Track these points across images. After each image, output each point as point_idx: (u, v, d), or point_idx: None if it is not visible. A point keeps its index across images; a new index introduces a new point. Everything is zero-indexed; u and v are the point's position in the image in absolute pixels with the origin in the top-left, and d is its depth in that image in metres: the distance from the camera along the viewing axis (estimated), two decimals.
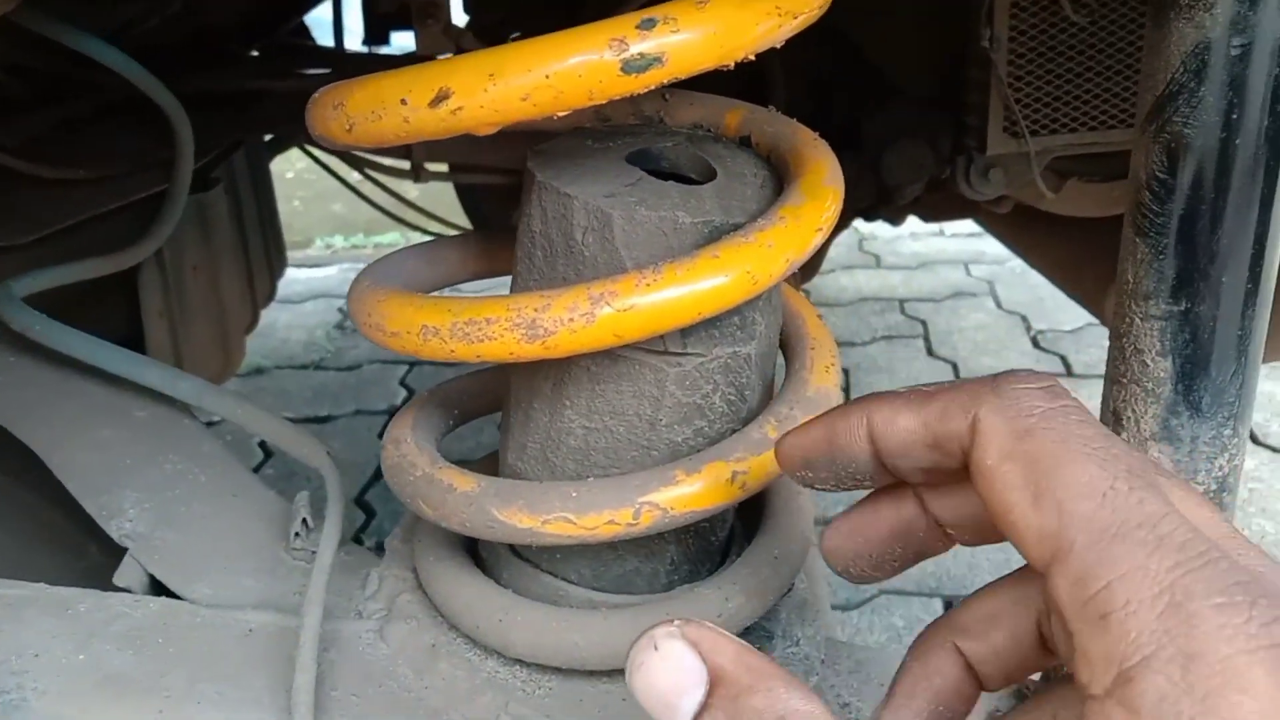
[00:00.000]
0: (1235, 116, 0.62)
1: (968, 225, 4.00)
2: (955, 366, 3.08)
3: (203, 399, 0.88)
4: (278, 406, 3.04)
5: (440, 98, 0.52)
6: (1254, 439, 2.75)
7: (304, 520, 0.80)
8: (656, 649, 0.38)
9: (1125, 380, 0.70)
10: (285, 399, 3.07)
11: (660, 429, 0.68)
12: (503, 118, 0.53)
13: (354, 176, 2.41)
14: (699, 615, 0.68)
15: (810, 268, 1.91)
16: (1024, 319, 3.31)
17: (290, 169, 4.65)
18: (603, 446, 0.69)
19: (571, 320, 0.57)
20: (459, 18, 1.71)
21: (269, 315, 3.52)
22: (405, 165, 2.33)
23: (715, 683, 0.38)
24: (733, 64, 0.56)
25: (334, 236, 4.45)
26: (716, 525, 0.77)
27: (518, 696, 0.70)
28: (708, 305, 0.59)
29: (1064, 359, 3.06)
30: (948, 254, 3.90)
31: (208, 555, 0.79)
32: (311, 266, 4.11)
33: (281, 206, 2.42)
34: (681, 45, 0.53)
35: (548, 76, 0.51)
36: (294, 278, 3.91)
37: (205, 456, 0.89)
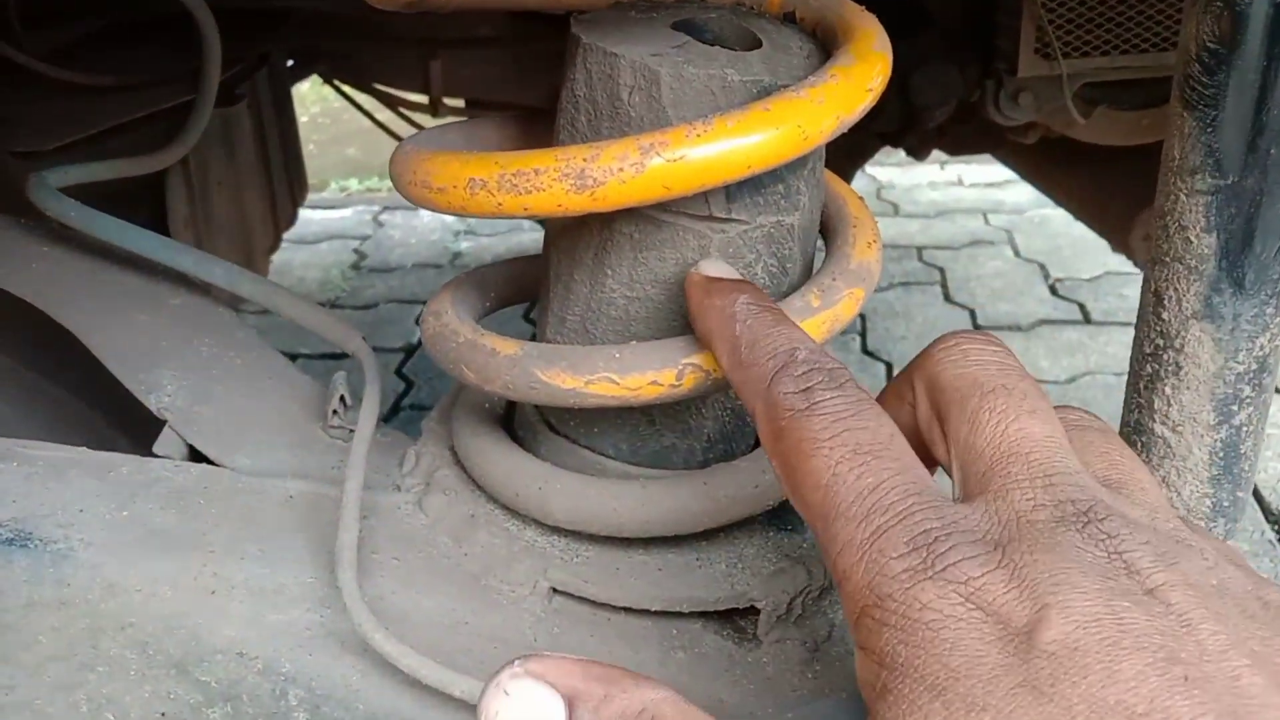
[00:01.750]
0: None
1: (986, 174, 3.98)
2: (973, 313, 3.07)
3: (237, 283, 0.88)
4: (294, 343, 3.06)
5: None
6: None
7: (341, 398, 0.80)
8: (507, 694, 0.39)
9: (1168, 259, 0.70)
10: (301, 336, 3.06)
11: None
12: None
13: (369, 119, 2.40)
14: (735, 488, 0.69)
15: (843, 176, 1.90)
16: (1042, 267, 3.30)
17: (305, 114, 4.64)
18: (643, 316, 0.69)
19: (621, 170, 0.57)
20: None
21: (285, 255, 3.53)
22: (424, 100, 2.32)
23: (572, 703, 0.39)
24: None
25: (349, 179, 4.44)
26: None
27: (555, 563, 0.71)
28: (758, 159, 0.58)
29: (1082, 306, 3.06)
30: (966, 203, 3.88)
31: (246, 429, 0.79)
32: (326, 208, 4.10)
33: None
34: None
35: None
36: (309, 219, 3.91)
37: (240, 342, 0.90)
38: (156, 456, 0.77)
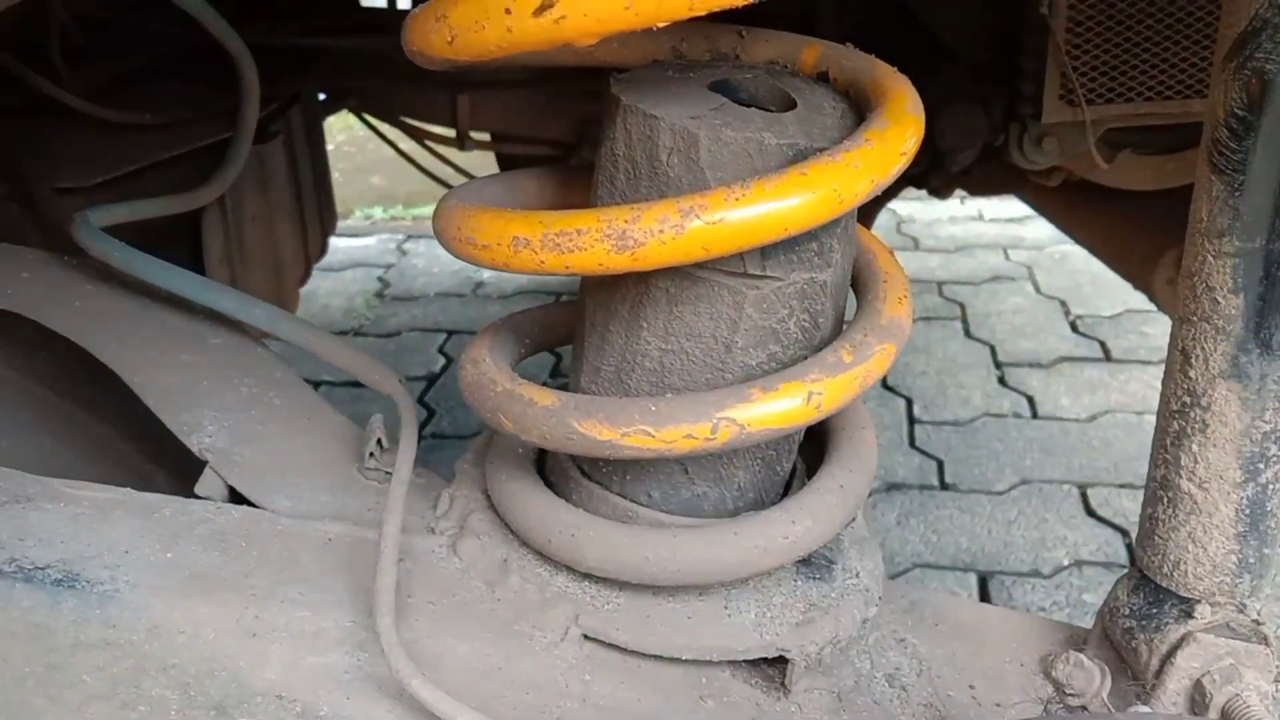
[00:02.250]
0: None
1: (1006, 210, 3.98)
2: (993, 349, 3.07)
3: (277, 325, 0.90)
4: (318, 370, 3.08)
5: (544, 6, 0.54)
6: None
7: (379, 440, 0.82)
8: None
9: (1195, 318, 0.71)
10: (325, 364, 3.10)
11: (735, 351, 0.69)
12: (605, 27, 0.54)
13: (394, 150, 2.44)
14: (765, 539, 0.70)
15: (868, 216, 1.92)
16: (1063, 304, 3.30)
17: (331, 142, 4.70)
18: (678, 368, 0.70)
19: (661, 232, 0.59)
20: None
21: (311, 283, 3.56)
22: (451, 133, 2.35)
23: None
24: None
25: (374, 208, 4.49)
26: (783, 455, 0.79)
27: (587, 610, 0.72)
28: (795, 221, 0.60)
29: (1103, 344, 3.05)
30: (986, 238, 3.88)
31: (285, 470, 0.81)
32: (351, 236, 4.14)
33: None
34: None
35: None
36: (335, 246, 3.95)
37: (279, 382, 0.92)
38: (198, 497, 0.79)
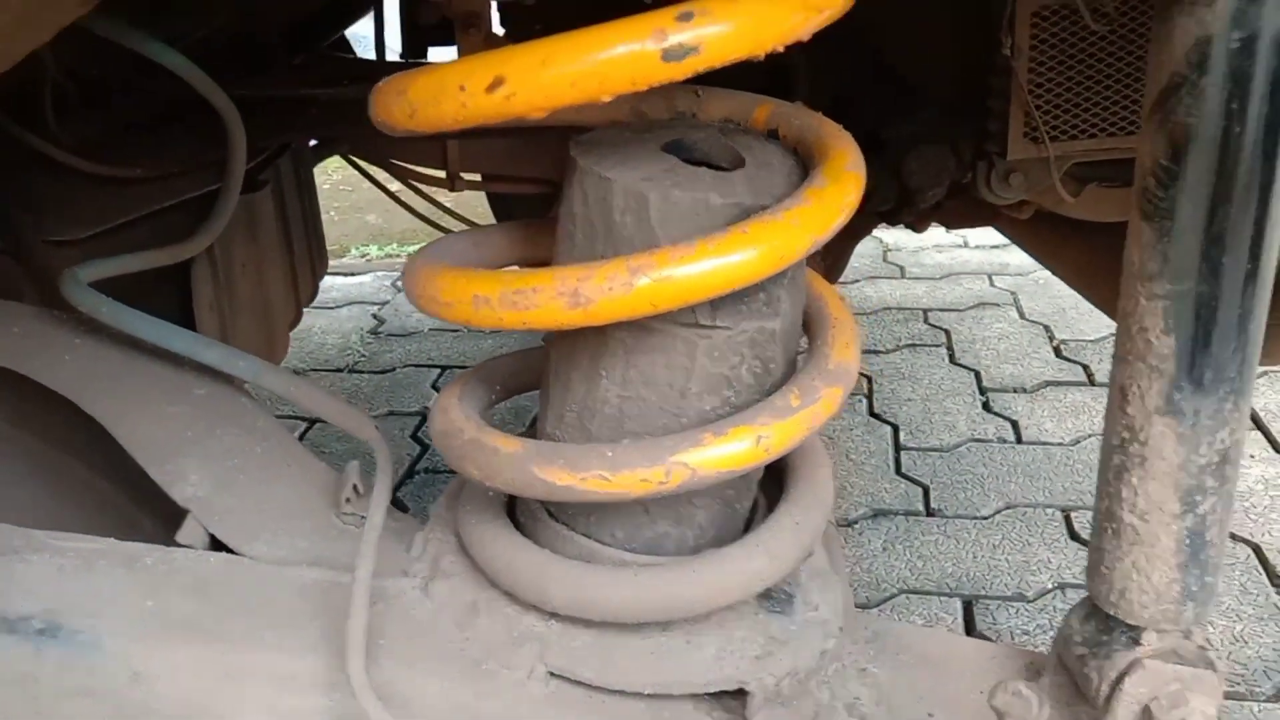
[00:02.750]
0: (1235, 107, 0.66)
1: (991, 237, 4.03)
2: (978, 375, 3.10)
3: (260, 376, 0.94)
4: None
5: (495, 84, 0.58)
6: (1275, 448, 2.76)
7: (354, 486, 0.85)
8: None
9: (1131, 357, 0.74)
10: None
11: (690, 398, 0.73)
12: (553, 102, 0.58)
13: (392, 185, 2.48)
14: (723, 575, 0.73)
15: (833, 272, 1.96)
16: (1046, 329, 3.34)
17: (326, 181, 4.75)
18: (636, 414, 0.74)
19: (611, 289, 0.62)
20: (498, 28, 1.77)
21: (305, 320, 3.60)
22: (441, 174, 2.40)
23: None
24: (763, 55, 0.61)
25: (369, 246, 4.53)
26: (741, 494, 0.82)
27: (553, 648, 0.75)
28: (737, 277, 0.63)
29: (1086, 368, 3.09)
30: (971, 265, 3.92)
31: (264, 517, 0.84)
32: (347, 274, 4.19)
33: None
34: (716, 36, 0.58)
35: (595, 64, 0.56)
36: (330, 284, 4.00)
37: (261, 430, 0.95)
38: (180, 545, 0.82)
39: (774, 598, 0.82)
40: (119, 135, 1.50)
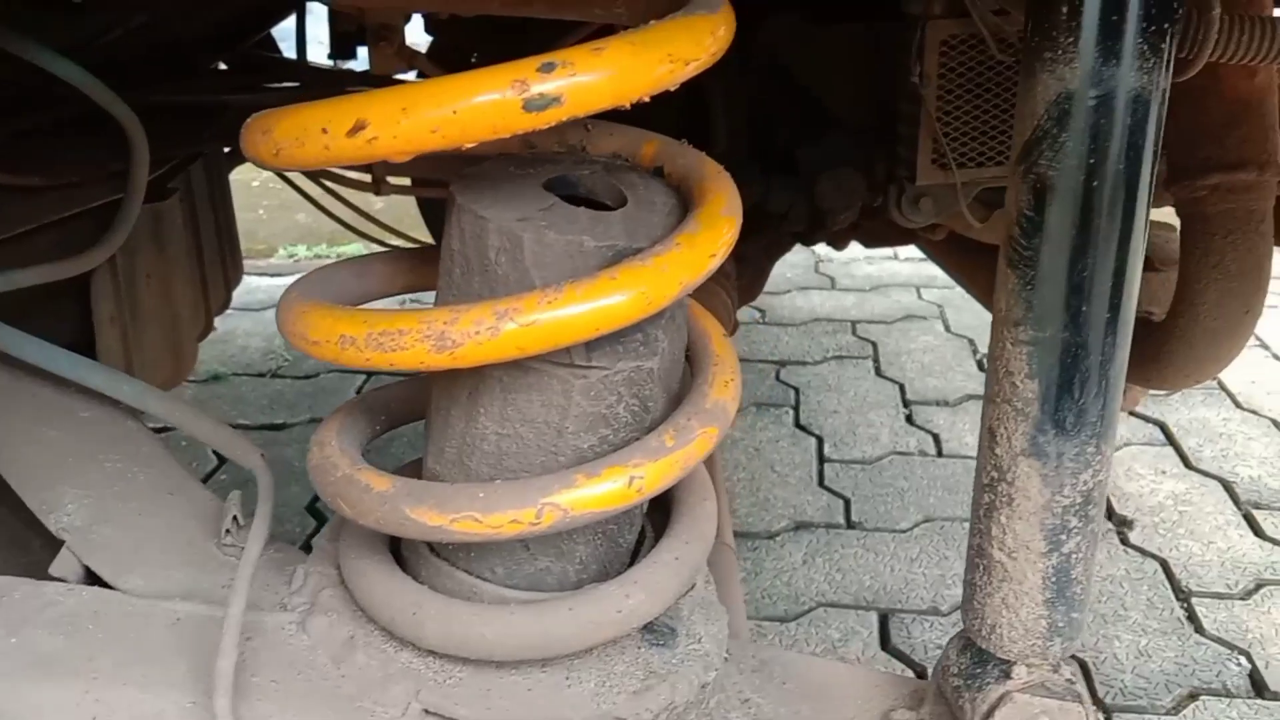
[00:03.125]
0: (1094, 161, 0.68)
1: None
2: (902, 388, 3.15)
3: (144, 401, 0.92)
4: (234, 414, 3.07)
5: (357, 128, 0.58)
6: (1186, 464, 2.84)
7: (234, 518, 0.84)
8: None
9: (998, 400, 0.76)
10: (241, 406, 3.09)
11: (567, 436, 0.73)
12: (414, 148, 0.58)
13: (317, 190, 2.46)
14: (599, 612, 0.74)
15: (753, 288, 1.98)
16: (971, 342, 3.40)
17: (256, 178, 4.68)
18: (514, 451, 0.74)
19: (478, 333, 0.62)
20: (419, 39, 1.76)
21: (228, 323, 3.55)
22: (367, 179, 2.38)
23: None
24: (629, 104, 0.61)
25: (297, 246, 4.47)
26: (624, 528, 0.82)
27: (429, 685, 0.75)
28: (605, 322, 0.64)
29: None
30: (901, 277, 3.98)
31: (141, 549, 0.83)
32: (274, 275, 4.13)
33: (246, 215, 2.46)
34: (579, 87, 0.58)
35: (455, 111, 0.57)
36: (256, 285, 3.94)
37: (145, 456, 0.93)
38: (52, 578, 0.80)
39: (657, 631, 0.83)
40: (19, 143, 1.47)
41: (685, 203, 0.77)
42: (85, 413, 0.97)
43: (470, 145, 0.59)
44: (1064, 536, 0.77)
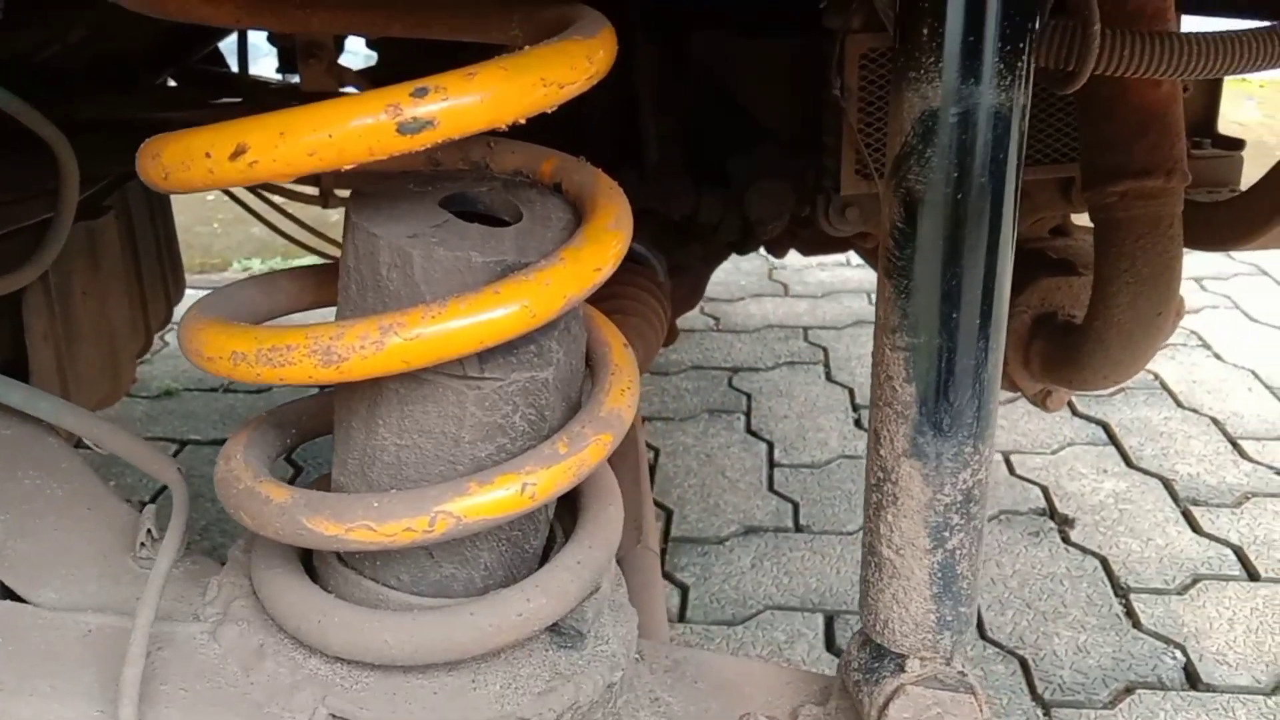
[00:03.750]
0: (958, 175, 0.72)
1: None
2: (852, 393, 3.19)
3: (60, 417, 0.94)
4: (185, 429, 3.06)
5: (238, 152, 0.60)
6: (1128, 462, 2.90)
7: (149, 530, 0.86)
8: None
9: (881, 403, 0.80)
10: (193, 422, 3.08)
11: (464, 445, 0.76)
12: (294, 170, 0.60)
13: (269, 203, 2.47)
14: (499, 616, 0.76)
15: (693, 296, 2.01)
16: None
17: (211, 192, 4.66)
18: (413, 462, 0.76)
19: (363, 348, 0.65)
20: (353, 59, 1.78)
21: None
22: (315, 192, 2.39)
23: None
24: (505, 126, 0.64)
25: (252, 260, 4.46)
26: (529, 534, 0.85)
27: (336, 691, 0.77)
28: (489, 335, 0.66)
29: None
30: (852, 283, 4.03)
31: (56, 563, 0.84)
32: None
33: (200, 229, 2.46)
34: (452, 110, 0.61)
35: (330, 135, 0.59)
36: None
37: (64, 472, 0.95)
38: None
39: (564, 633, 0.85)
40: None
41: (580, 218, 0.80)
42: (5, 430, 0.99)
43: (349, 166, 0.61)
44: (947, 533, 0.81)
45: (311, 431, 0.89)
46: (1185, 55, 1.02)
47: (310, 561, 0.85)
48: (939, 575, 0.82)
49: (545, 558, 0.89)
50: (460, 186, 0.81)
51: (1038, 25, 0.71)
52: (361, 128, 0.59)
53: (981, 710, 0.87)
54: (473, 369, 0.73)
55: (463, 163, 0.87)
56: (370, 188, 0.79)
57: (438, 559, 0.80)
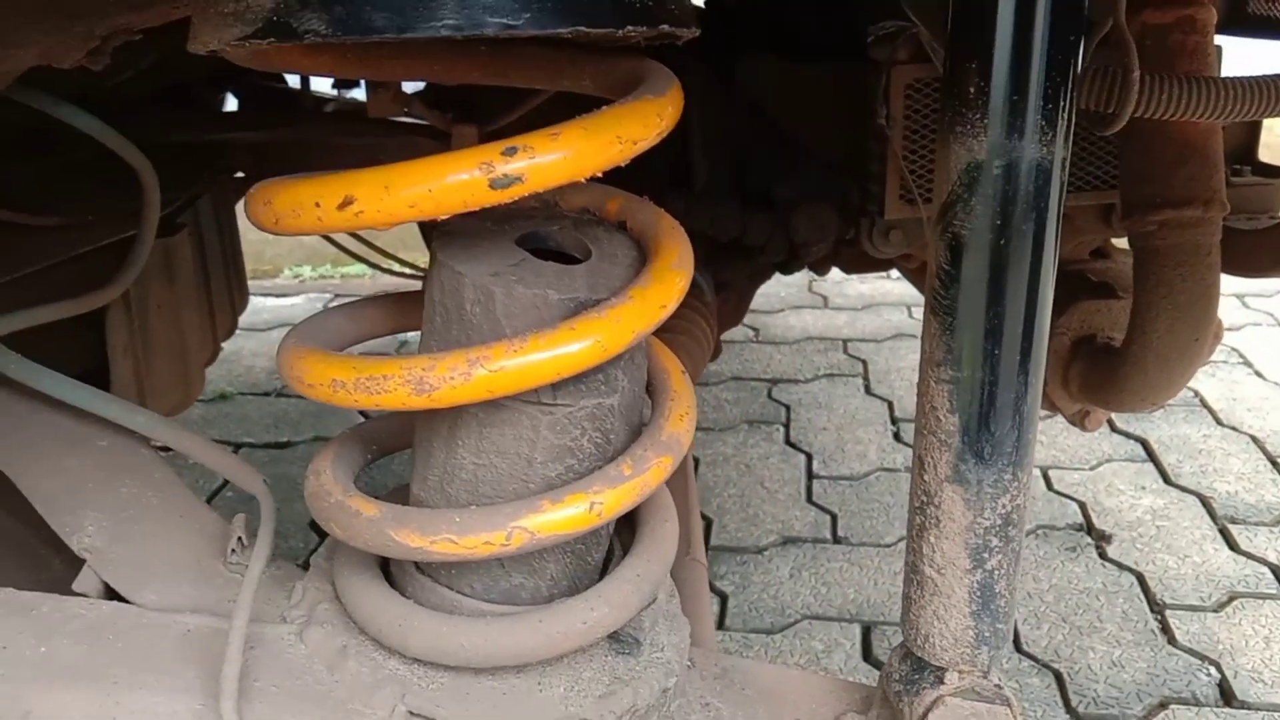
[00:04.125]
0: (999, 222, 0.77)
1: None
2: (891, 405, 3.23)
3: (155, 430, 1.01)
4: (239, 432, 3.16)
5: (346, 203, 0.66)
6: (1166, 479, 2.91)
7: (239, 538, 0.93)
8: None
9: (925, 432, 0.85)
10: (247, 425, 3.18)
11: (536, 466, 0.82)
12: (395, 219, 0.67)
13: None
14: (566, 624, 0.82)
15: (738, 313, 2.06)
16: None
17: None
18: (489, 479, 0.83)
19: (452, 378, 0.71)
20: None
21: (235, 343, 3.65)
22: None
23: None
24: (585, 178, 0.70)
25: (303, 267, 4.57)
26: (591, 548, 0.91)
27: (414, 690, 0.83)
28: (565, 367, 0.73)
29: None
30: (893, 296, 4.07)
31: (155, 567, 0.91)
32: (279, 296, 4.23)
33: (252, 236, 2.53)
34: (538, 166, 0.67)
35: (430, 190, 0.65)
36: (261, 306, 4.04)
37: (158, 482, 1.02)
38: (75, 594, 0.89)
39: (622, 641, 0.91)
40: (38, 184, 1.56)
41: (644, 254, 0.86)
42: (102, 441, 1.06)
43: (444, 216, 0.67)
44: (986, 555, 0.86)
45: (390, 447, 0.96)
46: (1221, 99, 1.06)
47: (388, 569, 0.92)
48: (978, 594, 0.87)
49: (605, 569, 0.95)
50: (534, 225, 0.87)
51: (1076, 81, 0.76)
52: (458, 183, 0.65)
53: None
54: (546, 396, 0.79)
55: (534, 200, 0.93)
56: (451, 226, 0.85)
57: (508, 569, 0.86)
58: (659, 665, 0.91)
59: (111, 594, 0.91)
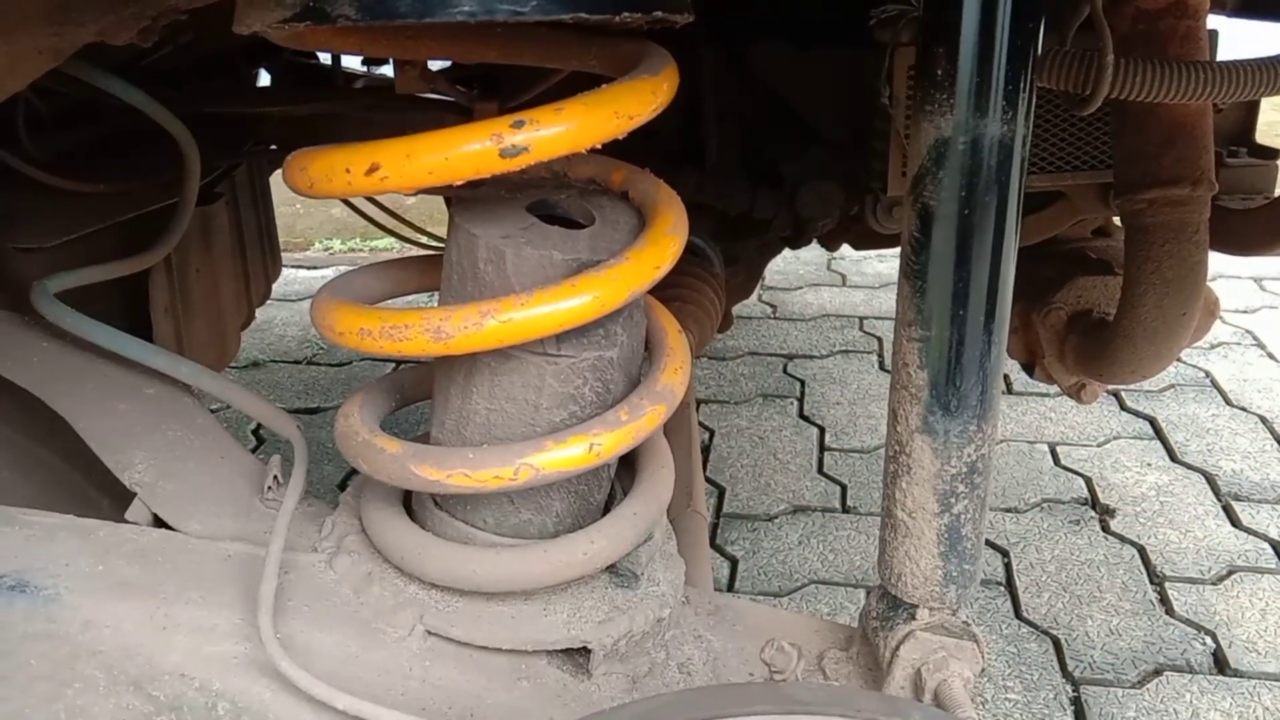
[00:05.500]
0: (965, 194, 0.84)
1: None
2: None
3: (199, 380, 1.10)
4: (271, 397, 3.28)
5: (372, 169, 0.75)
6: (1172, 457, 2.97)
7: (275, 476, 1.02)
8: None
9: (898, 386, 0.93)
10: (278, 391, 3.30)
11: (542, 411, 0.90)
12: (416, 184, 0.75)
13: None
14: (568, 555, 0.91)
15: (749, 286, 2.14)
16: None
17: None
18: (500, 423, 0.91)
19: (466, 328, 0.80)
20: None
21: (267, 312, 3.76)
22: None
23: None
24: (585, 149, 0.78)
25: (332, 240, 4.68)
26: (593, 488, 0.99)
27: (431, 611, 0.93)
28: (566, 320, 0.81)
29: (1006, 376, 3.29)
30: None
31: (198, 500, 1.01)
32: (310, 268, 4.34)
33: (284, 209, 2.65)
34: (543, 138, 0.75)
35: (446, 158, 0.74)
36: (292, 277, 4.15)
37: (200, 427, 1.11)
38: (127, 522, 0.99)
39: (621, 574, 1.00)
40: (87, 152, 1.66)
41: (644, 221, 0.94)
42: (150, 390, 1.16)
43: (459, 182, 0.76)
44: (953, 500, 0.94)
45: (412, 397, 1.05)
46: (1196, 82, 1.13)
47: (410, 505, 1.01)
48: (946, 536, 0.95)
49: (607, 509, 1.03)
50: (543, 194, 0.95)
51: (1035, 65, 0.83)
52: (471, 152, 0.74)
53: (982, 656, 1.00)
54: (551, 348, 0.88)
55: (545, 171, 1.02)
56: (468, 193, 0.94)
57: (518, 505, 0.95)
58: (654, 597, 0.99)
59: (159, 524, 1.01)
